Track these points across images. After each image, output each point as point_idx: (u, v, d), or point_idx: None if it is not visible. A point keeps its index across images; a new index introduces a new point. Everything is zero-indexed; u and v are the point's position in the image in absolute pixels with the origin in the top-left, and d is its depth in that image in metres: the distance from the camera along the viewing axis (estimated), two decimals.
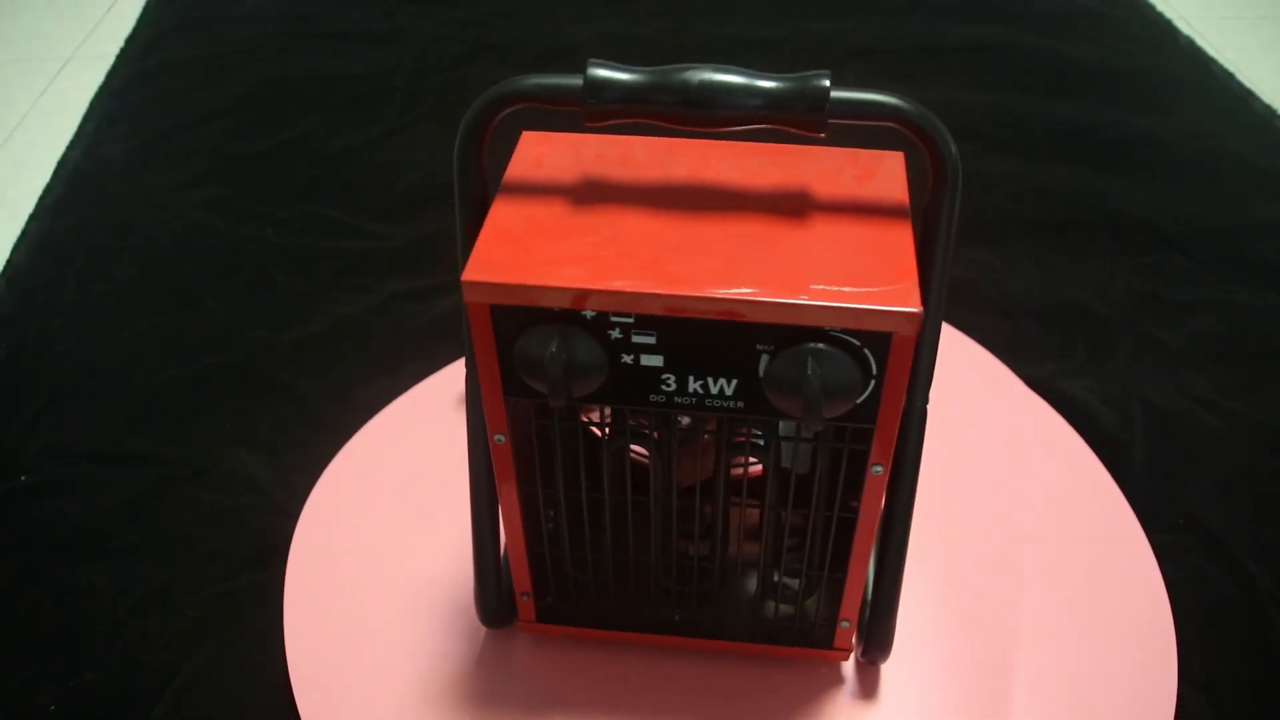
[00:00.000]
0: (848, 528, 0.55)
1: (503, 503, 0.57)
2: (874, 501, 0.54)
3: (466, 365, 0.55)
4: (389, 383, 0.85)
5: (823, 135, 0.47)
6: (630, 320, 0.47)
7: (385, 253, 1.01)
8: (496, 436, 0.53)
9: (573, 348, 0.47)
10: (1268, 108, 1.24)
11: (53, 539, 0.74)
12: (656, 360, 0.48)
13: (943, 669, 0.64)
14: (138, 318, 0.93)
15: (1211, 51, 1.36)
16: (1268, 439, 0.81)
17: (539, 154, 0.55)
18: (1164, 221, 1.04)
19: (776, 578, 0.61)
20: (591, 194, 0.52)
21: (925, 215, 0.50)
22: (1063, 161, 1.13)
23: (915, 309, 0.45)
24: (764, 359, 0.47)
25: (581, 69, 0.47)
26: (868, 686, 0.63)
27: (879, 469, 0.52)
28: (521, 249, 0.48)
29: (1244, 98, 1.26)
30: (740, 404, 0.49)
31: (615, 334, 0.48)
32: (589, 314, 0.47)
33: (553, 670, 0.63)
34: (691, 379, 0.49)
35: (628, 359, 0.48)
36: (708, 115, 0.46)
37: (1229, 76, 1.30)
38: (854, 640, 0.61)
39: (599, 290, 0.46)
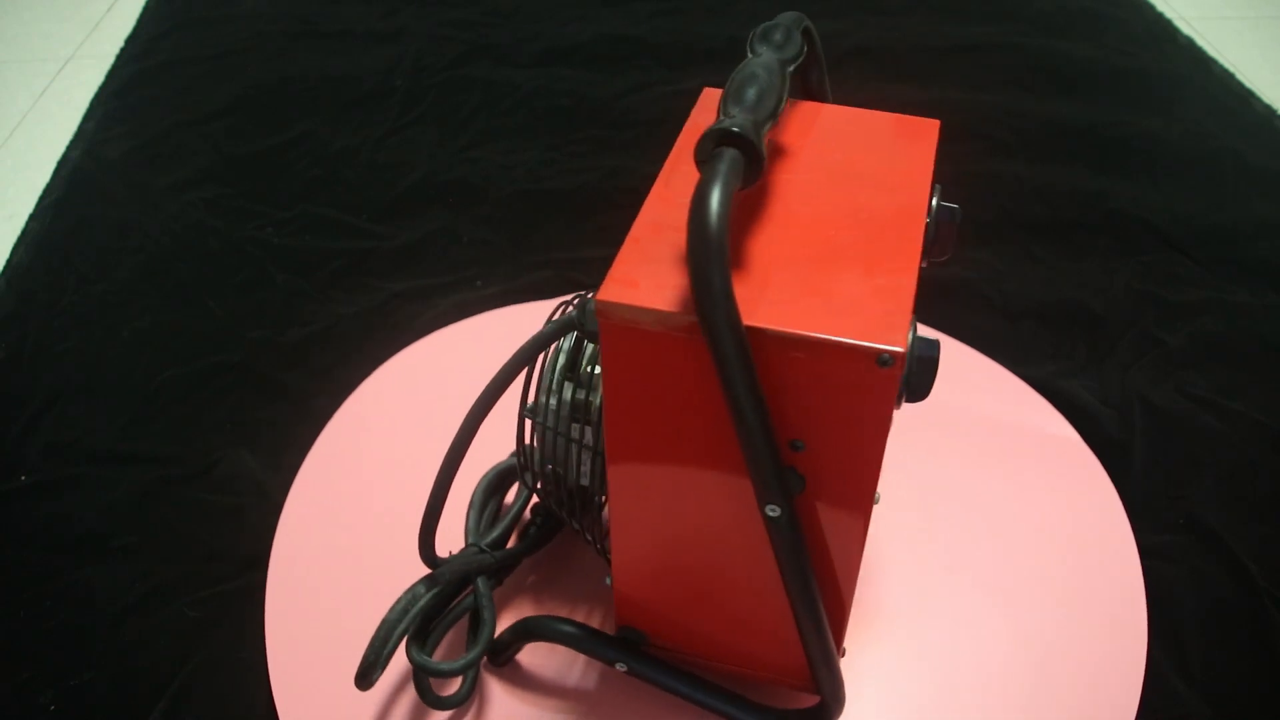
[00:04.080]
0: None
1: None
2: None
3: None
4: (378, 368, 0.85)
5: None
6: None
7: (385, 253, 1.01)
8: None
9: None
10: (1268, 108, 1.24)
11: (53, 539, 0.74)
12: None
13: (919, 659, 0.64)
14: (138, 318, 0.93)
15: (1211, 51, 1.36)
16: (1268, 439, 0.81)
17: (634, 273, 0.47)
18: (1164, 221, 1.04)
19: None
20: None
21: (812, 84, 0.59)
22: (1063, 161, 1.13)
23: (936, 121, 0.56)
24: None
25: (728, 151, 0.43)
26: None
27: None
28: (842, 308, 0.44)
29: (1244, 98, 1.26)
30: None
31: None
32: None
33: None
34: None
35: None
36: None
37: (1229, 76, 1.30)
38: None
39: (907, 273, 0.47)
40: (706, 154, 0.43)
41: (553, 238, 1.02)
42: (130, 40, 1.38)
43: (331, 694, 0.63)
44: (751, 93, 0.46)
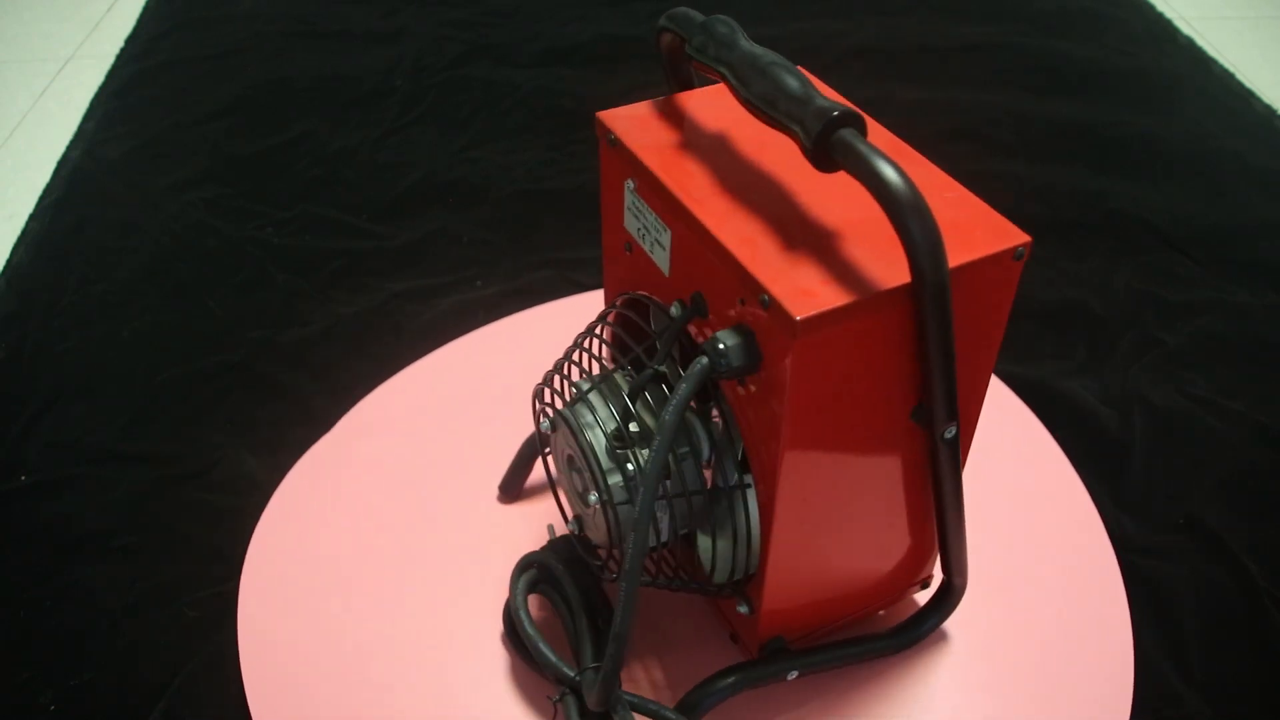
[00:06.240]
0: None
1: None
2: None
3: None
4: (384, 382, 0.85)
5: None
6: None
7: (385, 253, 1.01)
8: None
9: None
10: (1268, 108, 1.24)
11: (53, 539, 0.74)
12: None
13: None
14: (138, 318, 0.93)
15: (1211, 51, 1.36)
16: (1268, 439, 0.81)
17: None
18: (1164, 221, 1.04)
19: None
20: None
21: (683, 74, 0.59)
22: (1063, 161, 1.13)
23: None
24: None
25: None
26: None
27: None
28: (960, 230, 0.49)
29: (1244, 98, 1.26)
30: None
31: None
32: None
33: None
34: None
35: None
36: None
37: (1229, 76, 1.30)
38: None
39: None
40: (826, 144, 0.45)
41: (553, 238, 1.02)
42: (130, 40, 1.38)
43: (304, 696, 0.63)
44: (793, 81, 0.47)
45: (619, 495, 0.54)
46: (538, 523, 0.72)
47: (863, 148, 0.44)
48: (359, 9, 1.43)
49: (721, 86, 0.60)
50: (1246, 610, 0.69)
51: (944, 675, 0.64)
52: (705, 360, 0.48)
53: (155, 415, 0.84)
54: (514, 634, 0.63)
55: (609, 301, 0.63)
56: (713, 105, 0.59)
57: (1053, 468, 0.77)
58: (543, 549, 0.64)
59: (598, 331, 0.60)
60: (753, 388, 0.50)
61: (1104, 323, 0.92)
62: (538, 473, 0.75)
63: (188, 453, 0.80)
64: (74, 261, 1.00)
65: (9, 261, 1.01)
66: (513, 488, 0.74)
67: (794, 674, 0.60)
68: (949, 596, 0.63)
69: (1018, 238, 0.49)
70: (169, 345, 0.90)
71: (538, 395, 0.59)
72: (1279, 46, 1.39)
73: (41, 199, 1.09)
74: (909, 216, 0.43)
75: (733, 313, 0.50)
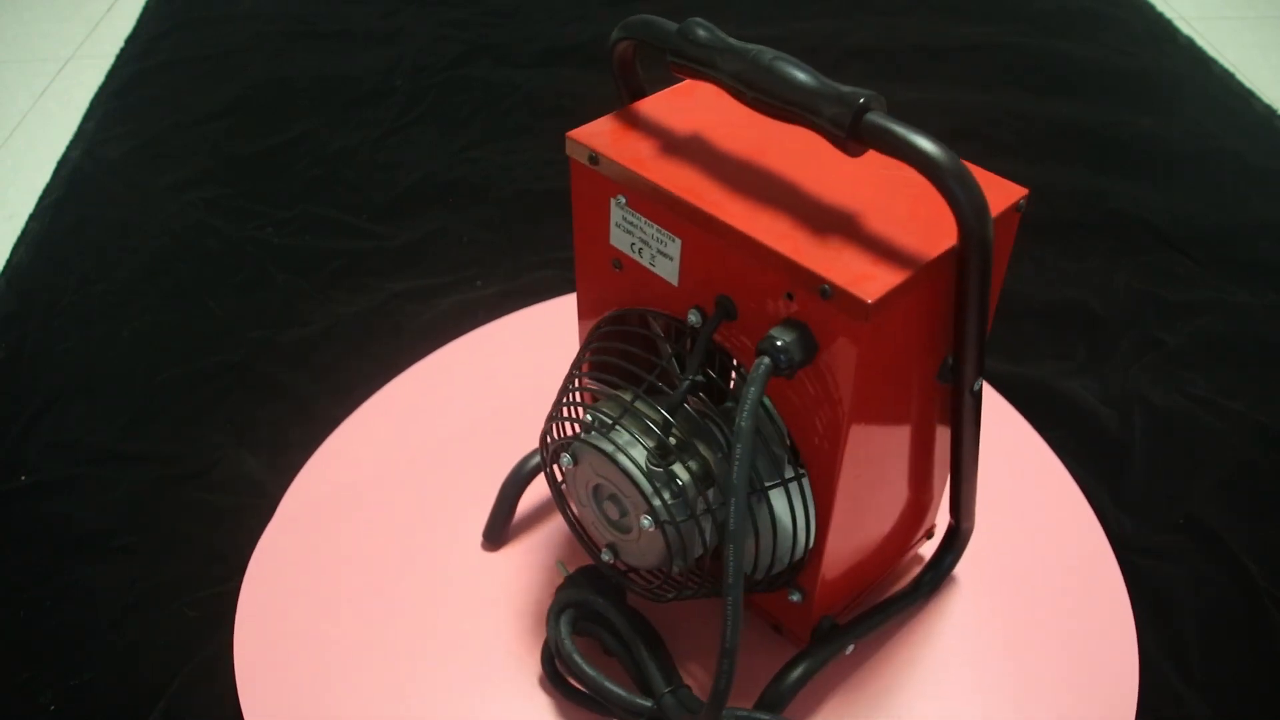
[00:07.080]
0: None
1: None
2: None
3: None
4: (389, 383, 0.85)
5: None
6: None
7: (385, 253, 1.01)
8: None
9: None
10: (1268, 108, 1.24)
11: (53, 539, 0.74)
12: None
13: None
14: (138, 318, 0.93)
15: (1211, 51, 1.36)
16: (1268, 439, 0.81)
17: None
18: (1164, 221, 1.04)
19: None
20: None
21: (635, 86, 0.60)
22: (1063, 161, 1.13)
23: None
24: None
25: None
26: None
27: None
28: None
29: (1244, 97, 1.26)
30: None
31: None
32: None
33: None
34: None
35: None
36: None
37: (1229, 76, 1.30)
38: None
39: None
40: (859, 129, 0.46)
41: (553, 238, 1.02)
42: (130, 40, 1.38)
43: (296, 699, 0.63)
44: (803, 74, 0.48)
45: (680, 512, 0.53)
46: (534, 557, 0.71)
47: (896, 126, 0.45)
48: (359, 9, 1.43)
49: (681, 88, 0.60)
50: (1246, 610, 0.69)
51: (947, 680, 0.64)
52: (768, 360, 0.48)
53: (155, 415, 0.84)
54: (555, 675, 0.61)
55: (594, 322, 0.61)
56: (680, 108, 0.58)
57: (1046, 468, 0.77)
58: (568, 586, 0.62)
59: (588, 356, 0.59)
60: (797, 377, 0.50)
61: (1104, 323, 0.92)
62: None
63: (188, 453, 0.80)
64: (74, 261, 1.00)
65: (9, 261, 1.01)
66: (497, 533, 0.71)
67: (850, 648, 0.62)
68: (957, 538, 0.65)
69: (1018, 192, 0.52)
70: (169, 345, 0.90)
71: (547, 433, 0.57)
72: (1279, 46, 1.39)
73: (41, 199, 1.09)
74: (952, 180, 0.45)
75: (772, 309, 0.50)
